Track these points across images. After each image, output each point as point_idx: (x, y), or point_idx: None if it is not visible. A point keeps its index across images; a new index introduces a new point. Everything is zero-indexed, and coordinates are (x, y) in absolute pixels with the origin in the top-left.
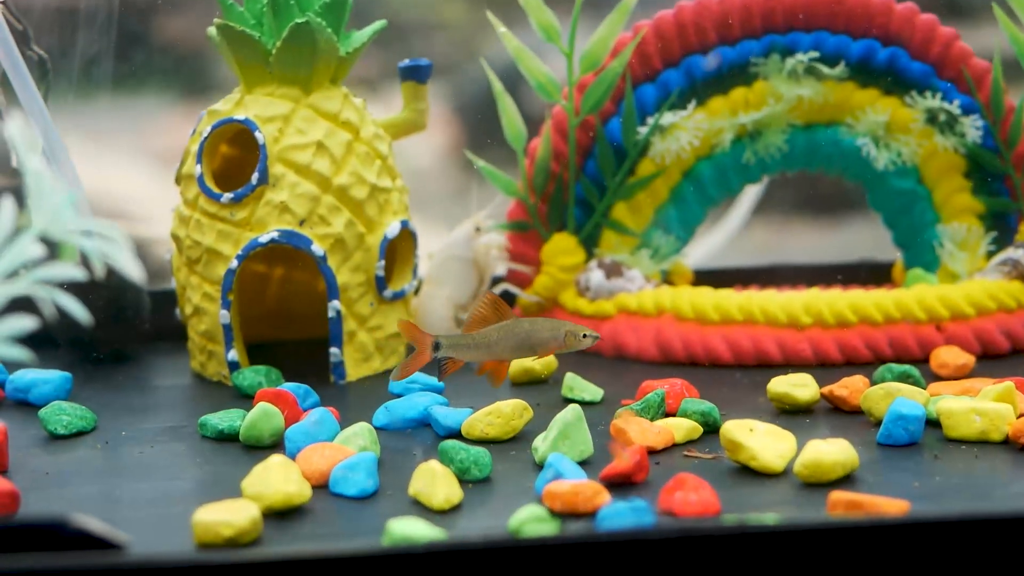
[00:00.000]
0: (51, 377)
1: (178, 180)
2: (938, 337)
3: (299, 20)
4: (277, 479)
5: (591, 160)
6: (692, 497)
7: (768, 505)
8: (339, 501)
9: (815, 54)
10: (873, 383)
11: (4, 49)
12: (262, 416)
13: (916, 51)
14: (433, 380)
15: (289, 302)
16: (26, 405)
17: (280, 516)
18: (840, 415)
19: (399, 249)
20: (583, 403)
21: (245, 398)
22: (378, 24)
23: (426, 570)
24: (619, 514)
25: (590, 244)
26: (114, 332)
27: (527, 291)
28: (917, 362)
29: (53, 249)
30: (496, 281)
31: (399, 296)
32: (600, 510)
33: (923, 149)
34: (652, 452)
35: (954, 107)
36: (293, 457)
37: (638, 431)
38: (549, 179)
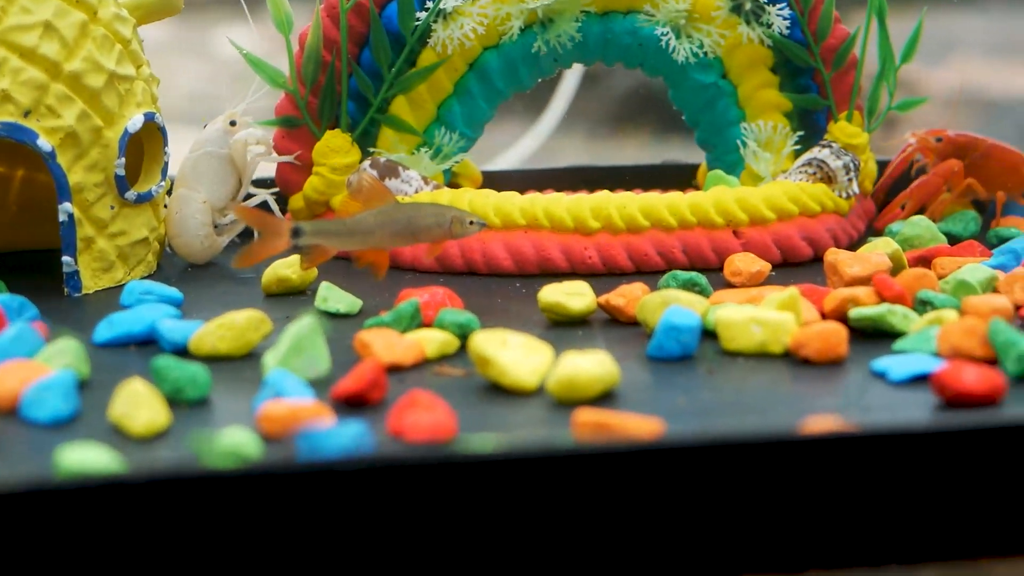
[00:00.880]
0: None
1: None
2: (735, 243)
3: None
4: None
5: (367, 50)
6: (424, 418)
7: (513, 426)
8: (29, 427)
9: None
10: (657, 291)
11: None
12: None
13: None
14: (172, 290)
15: (33, 206)
16: None
17: None
18: (617, 327)
19: (145, 146)
20: (337, 315)
21: None
22: None
23: (89, 505)
24: (324, 438)
25: (366, 142)
26: None
27: (297, 195)
28: (713, 270)
29: None
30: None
31: (145, 198)
32: (300, 434)
33: (727, 40)
34: (399, 369)
35: None
36: None
37: (384, 345)
38: (320, 70)
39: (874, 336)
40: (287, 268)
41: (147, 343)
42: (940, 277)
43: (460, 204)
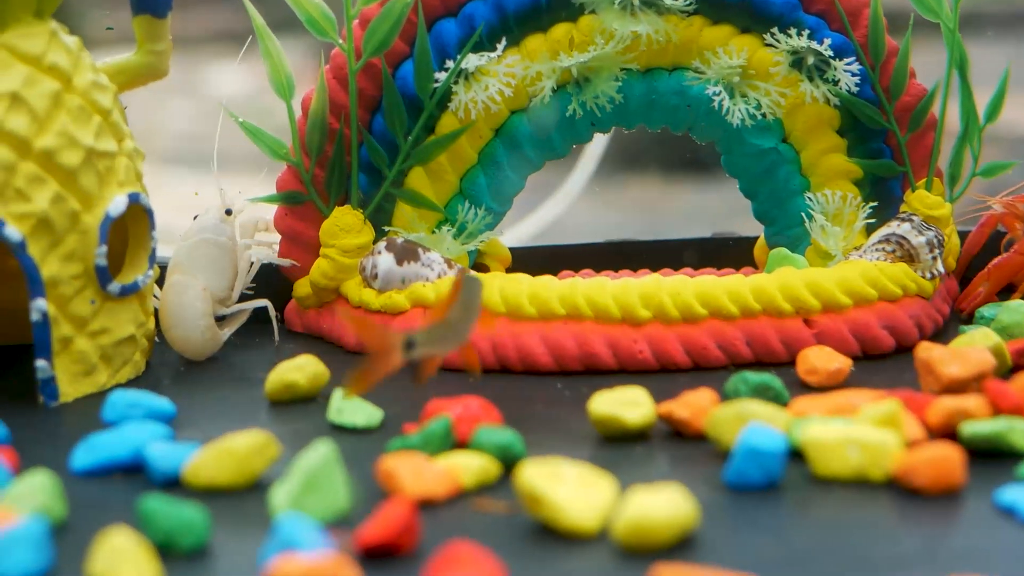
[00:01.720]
0: None
1: None
2: (806, 334)
3: None
4: None
5: (379, 115)
6: None
7: None
8: None
9: None
10: (724, 398)
11: None
12: None
13: None
14: (163, 401)
15: (6, 298)
16: None
17: None
18: (682, 442)
19: (130, 230)
20: (355, 430)
21: None
22: None
23: None
24: None
25: (380, 220)
26: None
27: (302, 280)
28: (782, 365)
29: None
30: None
31: (131, 290)
32: None
33: (788, 100)
34: (431, 503)
35: (824, 48)
36: None
37: (412, 475)
38: (327, 139)
39: (992, 455)
40: (296, 372)
41: (133, 470)
42: None
43: (490, 292)
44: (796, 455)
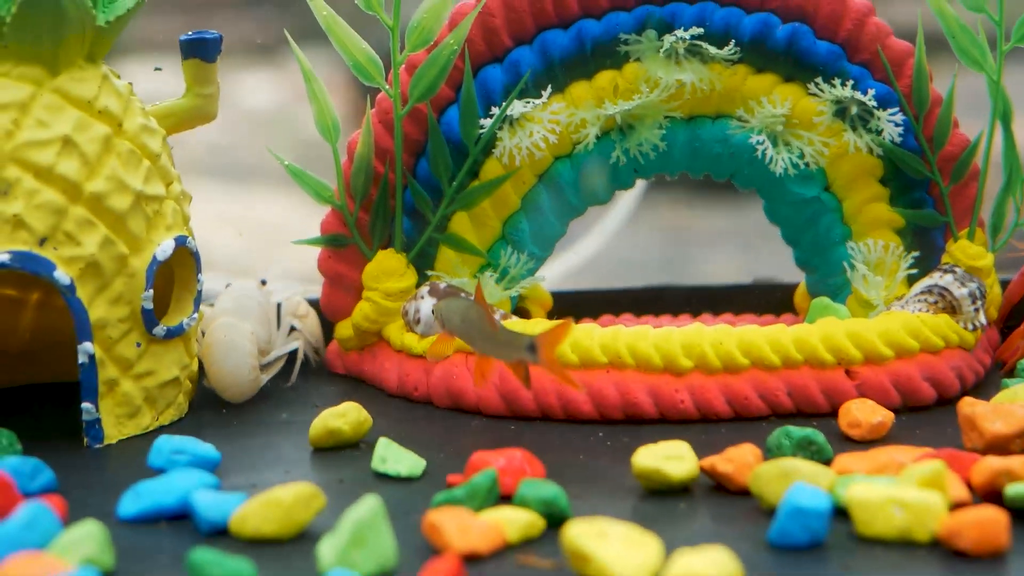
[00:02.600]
0: None
1: None
2: (848, 385)
3: None
4: None
5: (424, 160)
6: None
7: None
8: None
9: (699, 30)
10: (767, 451)
11: None
12: None
13: (822, 28)
14: (208, 448)
15: (48, 334)
16: None
17: None
18: (725, 497)
19: (176, 273)
20: (398, 479)
21: None
22: None
23: None
24: None
25: (423, 264)
26: None
27: (344, 321)
28: (823, 416)
29: None
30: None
31: (176, 333)
32: None
33: (831, 149)
34: (476, 558)
35: (868, 97)
36: None
37: (458, 529)
38: (371, 182)
39: None
40: (339, 419)
41: (179, 517)
42: None
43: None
44: (840, 513)
